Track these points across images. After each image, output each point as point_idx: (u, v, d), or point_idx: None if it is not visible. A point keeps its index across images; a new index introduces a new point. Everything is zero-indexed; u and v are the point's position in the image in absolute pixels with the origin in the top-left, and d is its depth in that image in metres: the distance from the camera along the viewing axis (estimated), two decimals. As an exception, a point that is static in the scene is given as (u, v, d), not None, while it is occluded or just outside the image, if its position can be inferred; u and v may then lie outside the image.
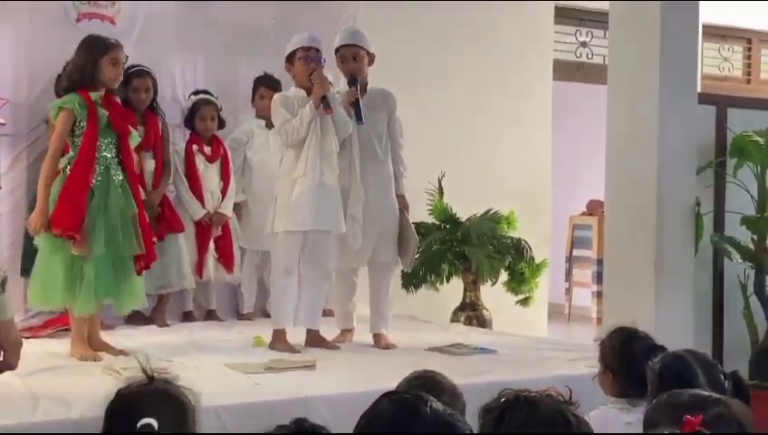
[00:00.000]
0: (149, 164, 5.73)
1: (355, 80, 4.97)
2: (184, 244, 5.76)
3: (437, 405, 1.78)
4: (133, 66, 5.71)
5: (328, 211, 4.82)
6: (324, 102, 4.75)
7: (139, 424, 1.82)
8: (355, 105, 4.91)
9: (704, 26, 6.93)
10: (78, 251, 4.38)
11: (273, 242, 4.90)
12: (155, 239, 4.80)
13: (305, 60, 4.84)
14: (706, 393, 2.16)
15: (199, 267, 5.85)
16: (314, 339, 4.87)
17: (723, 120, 6.61)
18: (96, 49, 4.52)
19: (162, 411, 1.87)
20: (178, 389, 1.98)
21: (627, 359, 2.92)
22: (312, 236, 4.83)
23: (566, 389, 1.96)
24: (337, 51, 5.06)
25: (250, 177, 6.08)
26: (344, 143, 4.98)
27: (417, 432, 1.72)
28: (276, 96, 4.99)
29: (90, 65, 4.50)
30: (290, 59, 4.92)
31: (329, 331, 5.09)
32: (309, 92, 4.82)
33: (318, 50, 4.88)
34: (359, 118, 4.90)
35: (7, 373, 3.66)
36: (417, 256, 6.38)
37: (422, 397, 1.80)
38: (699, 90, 6.23)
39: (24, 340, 4.81)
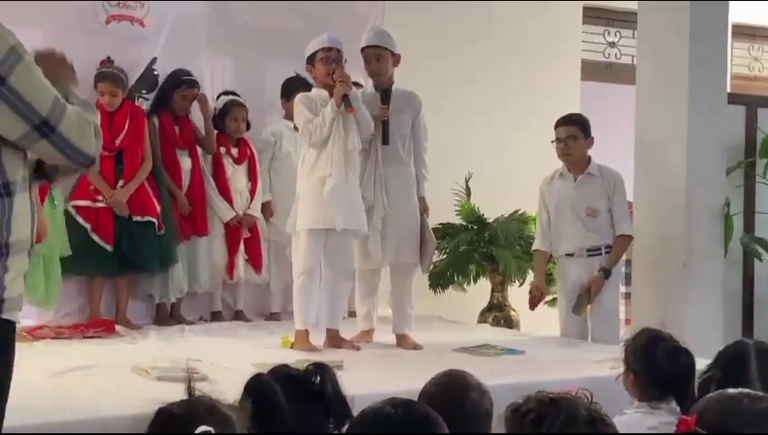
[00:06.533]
0: (186, 162, 5.79)
1: (388, 96, 4.99)
2: (185, 254, 5.80)
3: None
4: (186, 72, 5.77)
5: (354, 211, 4.83)
6: (345, 101, 4.76)
7: (196, 432, 1.79)
8: (384, 125, 4.95)
9: (733, 26, 6.89)
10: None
11: (294, 242, 4.92)
12: None
13: (326, 60, 4.85)
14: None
15: (230, 268, 5.90)
16: (334, 339, 4.87)
17: (753, 120, 6.58)
18: None
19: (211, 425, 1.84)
20: (224, 405, 1.97)
21: (649, 360, 2.91)
22: (335, 236, 4.83)
23: (586, 391, 1.98)
24: (362, 51, 5.08)
25: (277, 177, 6.10)
26: (369, 152, 4.98)
27: None
28: (298, 96, 5.00)
29: None
30: (311, 60, 4.93)
31: (351, 331, 5.09)
32: (331, 92, 4.83)
33: (339, 50, 4.89)
34: (385, 141, 4.95)
35: (38, 374, 3.71)
36: (443, 257, 6.41)
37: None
38: (729, 90, 6.19)
39: (54, 340, 4.96)
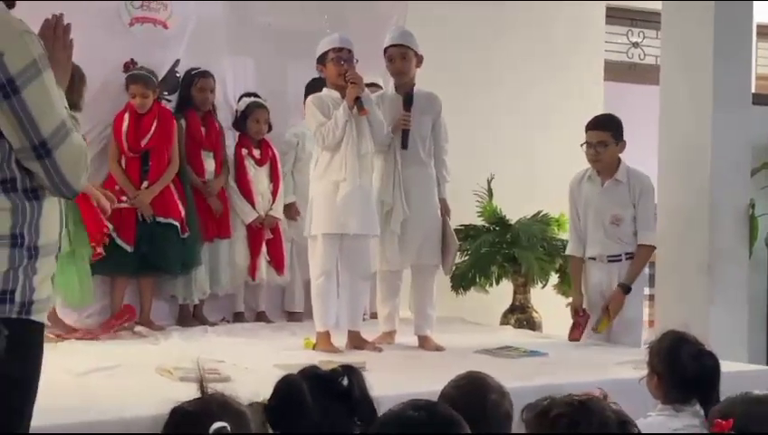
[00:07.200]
0: (210, 164, 5.81)
1: (410, 103, 4.98)
2: (207, 256, 5.80)
3: None
4: (196, 68, 5.80)
5: (367, 215, 4.82)
6: (358, 104, 4.74)
7: (212, 428, 1.80)
8: (404, 130, 4.95)
9: (758, 26, 6.84)
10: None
11: (311, 245, 4.92)
12: None
13: (337, 61, 4.83)
14: None
15: (252, 270, 5.91)
16: (356, 340, 4.87)
17: (778, 120, 6.51)
18: None
19: (226, 421, 1.85)
20: (236, 401, 1.98)
21: (673, 362, 2.90)
22: (350, 240, 4.82)
23: (600, 390, 1.99)
24: (385, 51, 5.07)
25: (301, 178, 6.10)
26: (389, 154, 4.98)
27: None
28: (309, 98, 4.99)
29: None
30: (321, 60, 4.91)
31: (373, 332, 5.09)
32: (342, 93, 4.81)
33: (350, 50, 4.86)
34: (404, 145, 4.94)
35: (62, 374, 3.73)
36: (464, 258, 6.40)
37: None
38: (753, 90, 6.14)
39: (78, 341, 4.98)
